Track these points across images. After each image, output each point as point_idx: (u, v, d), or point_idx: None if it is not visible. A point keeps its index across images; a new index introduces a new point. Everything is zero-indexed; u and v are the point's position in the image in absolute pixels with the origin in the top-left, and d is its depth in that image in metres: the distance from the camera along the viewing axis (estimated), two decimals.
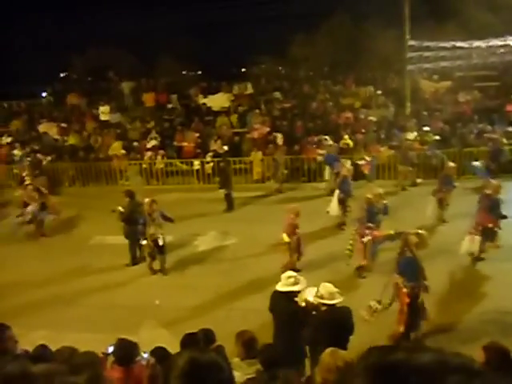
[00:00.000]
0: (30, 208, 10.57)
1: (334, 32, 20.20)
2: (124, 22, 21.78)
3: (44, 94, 25.99)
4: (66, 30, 23.94)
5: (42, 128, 17.16)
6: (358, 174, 12.16)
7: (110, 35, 21.48)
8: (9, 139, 16.29)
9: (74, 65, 23.36)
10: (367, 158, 12.87)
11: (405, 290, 5.76)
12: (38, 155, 14.90)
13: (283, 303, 5.14)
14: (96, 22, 22.34)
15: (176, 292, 7.88)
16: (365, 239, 7.70)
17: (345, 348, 4.30)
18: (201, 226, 10.64)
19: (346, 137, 14.05)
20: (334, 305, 4.76)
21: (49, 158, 15.03)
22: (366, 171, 12.75)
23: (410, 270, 5.78)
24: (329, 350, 3.28)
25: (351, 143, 13.90)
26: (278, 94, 18.84)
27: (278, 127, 15.52)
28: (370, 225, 7.70)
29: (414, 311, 5.79)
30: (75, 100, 19.50)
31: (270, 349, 3.77)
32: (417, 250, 5.80)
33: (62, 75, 27.65)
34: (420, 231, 6.04)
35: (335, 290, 4.86)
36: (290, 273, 5.40)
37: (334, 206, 10.01)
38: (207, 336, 4.24)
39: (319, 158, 13.33)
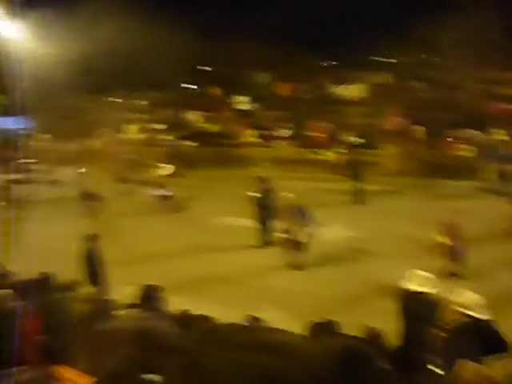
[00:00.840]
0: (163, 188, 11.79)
1: (485, 11, 17.94)
2: (263, 12, 22.45)
3: (190, 86, 28.44)
4: (210, 23, 25.58)
5: (187, 116, 18.87)
6: None
7: (250, 27, 22.40)
8: (161, 126, 18.31)
9: (216, 57, 24.98)
10: None
11: None
12: (182, 141, 16.52)
13: (410, 303, 4.82)
14: (236, 13, 23.42)
15: (298, 280, 7.94)
16: None
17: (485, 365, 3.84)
18: (327, 217, 10.49)
19: (502, 131, 12.46)
20: (479, 319, 4.19)
21: (191, 143, 16.50)
22: None
23: None
24: (471, 366, 2.96)
25: (507, 138, 12.30)
26: (418, 84, 17.59)
27: (418, 119, 14.50)
28: None
29: None
30: (216, 91, 20.96)
31: (402, 350, 3.57)
32: None
33: (205, 68, 29.93)
34: None
35: (484, 303, 4.30)
36: (421, 272, 5.02)
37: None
38: (332, 327, 4.19)
39: (466, 154, 12.09)
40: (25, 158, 16.59)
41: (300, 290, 7.57)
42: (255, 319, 3.81)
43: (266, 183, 9.34)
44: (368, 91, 17.64)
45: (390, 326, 5.17)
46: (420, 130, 13.46)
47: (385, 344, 3.73)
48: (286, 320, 6.44)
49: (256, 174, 11.15)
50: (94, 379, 2.14)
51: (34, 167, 16.26)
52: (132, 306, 4.12)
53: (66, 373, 2.00)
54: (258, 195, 9.16)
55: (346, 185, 11.81)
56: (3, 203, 12.68)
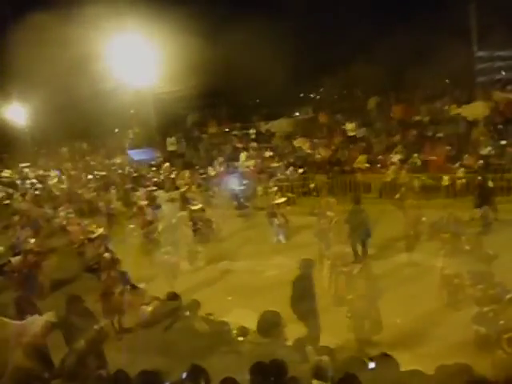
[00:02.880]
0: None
1: None
2: (372, 35, 22.10)
3: (300, 113, 29.08)
4: (315, 50, 25.88)
5: (296, 143, 19.13)
6: None
7: (358, 50, 22.23)
8: (270, 153, 18.79)
9: (325, 84, 25.18)
10: None
11: None
12: (290, 168, 16.73)
13: None
14: (345, 37, 23.37)
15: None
16: None
17: None
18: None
19: None
20: None
21: (300, 170, 16.62)
22: None
23: None
24: None
25: None
26: None
27: None
28: None
29: None
30: (325, 118, 20.99)
31: None
32: None
33: (312, 95, 30.43)
34: None
35: None
36: None
37: None
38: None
39: None
40: (147, 185, 18.35)
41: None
42: (387, 356, 3.50)
43: (359, 203, 9.60)
44: (495, 109, 16.04)
45: None
46: None
47: None
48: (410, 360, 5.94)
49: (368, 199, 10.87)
50: None
51: (154, 194, 17.74)
52: (249, 331, 4.18)
53: None
54: (349, 216, 9.35)
55: (471, 212, 10.74)
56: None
